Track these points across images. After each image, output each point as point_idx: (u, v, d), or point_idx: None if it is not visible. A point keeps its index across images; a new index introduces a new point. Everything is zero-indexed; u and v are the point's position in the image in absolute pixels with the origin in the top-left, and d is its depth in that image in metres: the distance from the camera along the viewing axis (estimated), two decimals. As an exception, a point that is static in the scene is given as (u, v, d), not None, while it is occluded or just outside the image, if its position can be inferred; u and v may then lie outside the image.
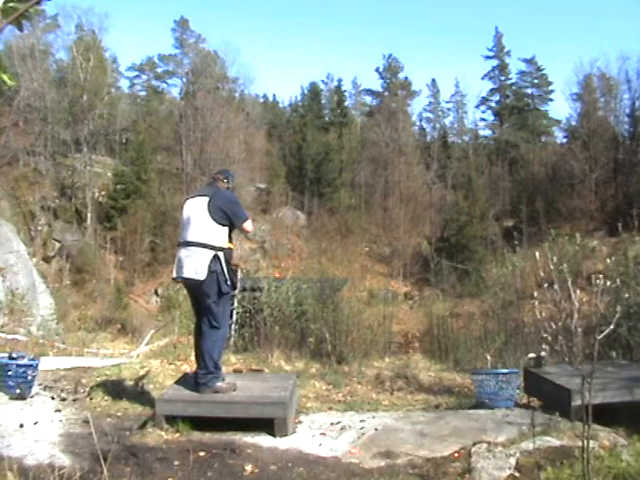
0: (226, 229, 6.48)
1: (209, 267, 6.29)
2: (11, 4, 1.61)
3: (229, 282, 6.45)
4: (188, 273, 6.39)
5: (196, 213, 6.49)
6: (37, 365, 7.46)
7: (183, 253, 6.48)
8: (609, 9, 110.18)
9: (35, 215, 48.55)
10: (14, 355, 7.47)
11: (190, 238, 6.45)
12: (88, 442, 5.47)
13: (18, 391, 7.13)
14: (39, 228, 48.06)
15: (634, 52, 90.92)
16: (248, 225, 6.66)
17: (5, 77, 1.80)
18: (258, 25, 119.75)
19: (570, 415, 6.19)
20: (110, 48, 64.63)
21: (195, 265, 6.35)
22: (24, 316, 19.84)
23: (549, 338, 5.57)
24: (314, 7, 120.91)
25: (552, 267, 5.90)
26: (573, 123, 68.69)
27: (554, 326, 5.44)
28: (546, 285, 5.80)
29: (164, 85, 73.04)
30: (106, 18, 57.35)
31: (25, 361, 7.33)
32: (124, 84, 72.54)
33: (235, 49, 69.25)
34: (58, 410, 6.91)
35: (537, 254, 6.61)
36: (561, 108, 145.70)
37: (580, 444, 4.64)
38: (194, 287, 6.51)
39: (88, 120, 55.17)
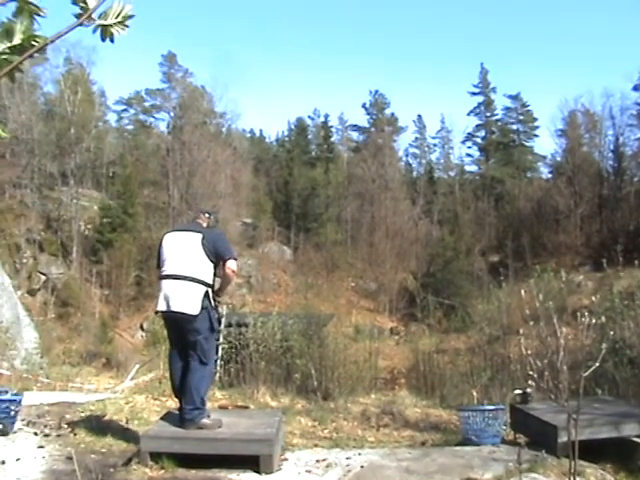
0: (213, 266, 6.45)
1: (202, 303, 6.26)
2: (4, 56, 1.63)
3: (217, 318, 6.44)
4: (179, 307, 6.29)
5: (189, 248, 6.43)
6: (20, 400, 7.37)
7: (172, 286, 6.38)
8: (593, 46, 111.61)
9: (20, 248, 48.30)
10: (-3, 390, 7.40)
11: (183, 272, 6.36)
12: (72, 479, 5.40)
13: (0, 427, 7.04)
14: (24, 261, 47.79)
15: (617, 89, 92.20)
16: (233, 264, 6.50)
17: (-1, 131, 1.83)
18: (245, 60, 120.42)
19: (557, 451, 6.17)
20: (98, 82, 64.82)
21: (188, 300, 6.27)
22: (8, 350, 19.65)
23: (535, 375, 5.57)
24: (301, 43, 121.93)
25: (538, 304, 5.93)
26: (558, 159, 69.48)
27: (540, 363, 5.45)
28: (532, 323, 5.83)
29: (151, 119, 73.11)
30: (94, 52, 57.18)
31: (8, 396, 7.25)
32: (112, 118, 72.70)
33: (222, 84, 69.70)
34: (41, 446, 6.82)
35: (523, 291, 6.64)
36: (546, 144, 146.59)
37: (567, 481, 4.64)
38: (183, 322, 6.38)
39: (75, 153, 55.14)
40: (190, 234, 6.55)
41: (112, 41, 1.73)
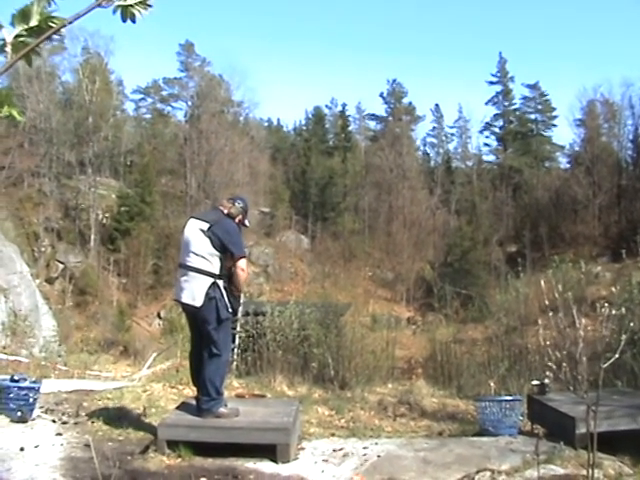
0: (220, 257, 6.33)
1: (207, 294, 6.18)
2: (21, 39, 1.61)
3: (229, 309, 6.36)
4: (186, 299, 6.30)
5: (196, 238, 6.35)
6: (39, 388, 7.40)
7: (182, 277, 6.39)
8: (612, 36, 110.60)
9: (39, 236, 48.62)
10: (16, 377, 7.41)
11: (189, 263, 6.33)
12: (89, 466, 5.40)
13: (19, 414, 7.07)
14: (42, 249, 48.10)
15: (637, 78, 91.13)
16: (242, 263, 6.44)
17: (14, 112, 1.81)
18: (263, 49, 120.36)
19: (574, 443, 6.12)
20: (116, 71, 65.17)
21: (192, 291, 6.25)
22: (26, 337, 19.81)
23: (553, 366, 5.52)
24: (319, 32, 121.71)
25: (557, 294, 5.87)
26: (576, 149, 69.07)
27: (558, 354, 5.40)
28: (550, 313, 5.78)
29: (169, 108, 73.04)
30: (112, 41, 57.52)
31: (27, 383, 7.27)
32: (129, 107, 72.85)
33: (240, 73, 69.46)
34: (59, 434, 6.84)
35: (542, 281, 6.59)
36: (564, 134, 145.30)
37: (585, 473, 4.60)
38: (192, 313, 6.42)
39: (93, 142, 55.42)
40: (199, 223, 6.44)
41: (133, 21, 1.70)
